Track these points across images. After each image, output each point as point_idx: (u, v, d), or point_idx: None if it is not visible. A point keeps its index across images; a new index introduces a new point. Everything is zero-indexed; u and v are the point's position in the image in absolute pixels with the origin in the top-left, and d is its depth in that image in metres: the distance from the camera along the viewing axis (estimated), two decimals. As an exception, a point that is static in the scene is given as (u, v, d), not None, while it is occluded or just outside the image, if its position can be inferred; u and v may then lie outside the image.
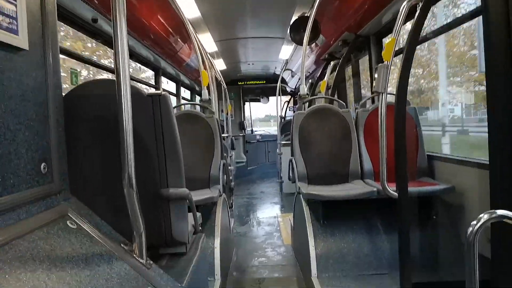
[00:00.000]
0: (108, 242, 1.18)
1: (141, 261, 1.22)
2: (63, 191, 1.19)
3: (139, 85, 4.62)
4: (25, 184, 1.00)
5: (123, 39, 1.15)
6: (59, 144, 1.17)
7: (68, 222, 1.11)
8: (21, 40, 1.02)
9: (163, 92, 1.46)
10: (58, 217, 1.10)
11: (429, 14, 2.12)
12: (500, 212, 1.05)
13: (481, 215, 1.06)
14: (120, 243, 1.24)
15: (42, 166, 1.08)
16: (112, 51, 1.18)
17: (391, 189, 2.26)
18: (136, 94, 1.38)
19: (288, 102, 10.24)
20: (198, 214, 1.94)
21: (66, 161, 1.22)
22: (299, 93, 3.89)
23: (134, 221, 1.20)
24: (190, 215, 1.74)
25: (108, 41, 3.32)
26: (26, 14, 1.03)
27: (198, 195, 2.80)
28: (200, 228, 1.96)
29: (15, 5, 1.00)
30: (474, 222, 1.06)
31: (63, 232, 1.05)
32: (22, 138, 1.00)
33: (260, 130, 11.88)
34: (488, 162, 1.66)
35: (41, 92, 1.10)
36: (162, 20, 4.06)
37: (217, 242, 2.81)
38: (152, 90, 5.15)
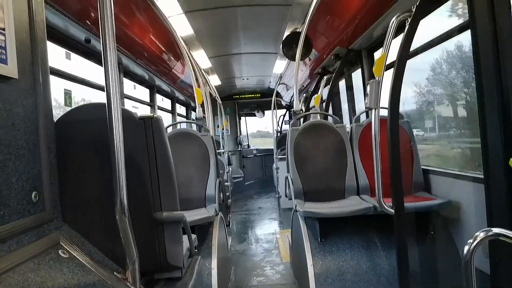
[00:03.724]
0: (100, 270, 1.15)
1: None
2: (55, 219, 1.17)
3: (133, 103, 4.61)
4: (16, 214, 0.98)
5: (113, 62, 1.14)
6: (50, 171, 1.15)
7: (60, 252, 1.09)
8: (11, 69, 1.01)
9: (155, 115, 1.45)
10: (49, 246, 1.07)
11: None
12: (496, 230, 1.05)
13: (477, 233, 1.05)
14: (113, 271, 1.21)
15: (33, 195, 1.06)
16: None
17: (387, 205, 2.25)
18: (128, 117, 1.37)
19: (284, 115, 10.26)
20: (194, 236, 1.91)
21: (57, 188, 1.20)
22: (293, 109, 3.87)
23: (127, 248, 1.18)
24: (185, 237, 1.71)
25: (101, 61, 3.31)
26: (16, 43, 1.02)
27: (194, 215, 2.77)
28: (196, 250, 1.92)
29: (4, 35, 1.00)
30: (471, 240, 1.05)
31: (54, 263, 1.03)
32: (13, 167, 0.98)
33: (254, 143, 11.79)
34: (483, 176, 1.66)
35: (32, 120, 1.09)
36: (156, 39, 4.08)
37: (214, 263, 2.75)
38: (146, 108, 5.15)
